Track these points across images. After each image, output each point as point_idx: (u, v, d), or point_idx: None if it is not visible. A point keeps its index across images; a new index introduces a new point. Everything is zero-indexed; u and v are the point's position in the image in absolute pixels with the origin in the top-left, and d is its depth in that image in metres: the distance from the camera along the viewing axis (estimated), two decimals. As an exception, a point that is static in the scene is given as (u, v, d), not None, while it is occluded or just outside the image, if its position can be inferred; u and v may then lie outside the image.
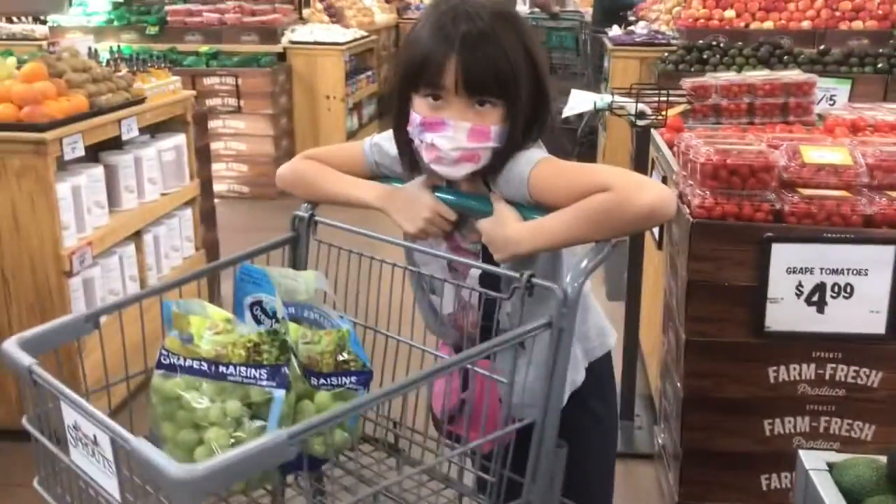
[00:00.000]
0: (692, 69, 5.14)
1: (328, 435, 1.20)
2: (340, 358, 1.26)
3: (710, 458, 2.27)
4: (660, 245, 2.79)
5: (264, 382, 1.17)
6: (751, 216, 2.12)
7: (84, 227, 3.06)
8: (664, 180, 2.60)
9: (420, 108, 1.40)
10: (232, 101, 6.23)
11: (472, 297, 1.49)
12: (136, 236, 3.44)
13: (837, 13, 5.77)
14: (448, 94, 1.36)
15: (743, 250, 2.11)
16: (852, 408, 2.19)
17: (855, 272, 2.08)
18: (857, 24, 5.70)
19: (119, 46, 4.28)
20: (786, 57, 5.16)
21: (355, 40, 6.96)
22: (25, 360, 1.16)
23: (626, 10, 7.51)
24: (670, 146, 2.67)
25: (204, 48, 6.40)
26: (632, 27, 6.96)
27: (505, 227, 1.37)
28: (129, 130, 3.33)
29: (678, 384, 2.28)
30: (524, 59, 1.38)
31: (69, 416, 1.08)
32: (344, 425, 1.25)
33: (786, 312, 2.11)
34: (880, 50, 5.32)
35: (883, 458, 1.11)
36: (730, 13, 5.87)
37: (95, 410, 1.05)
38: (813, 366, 2.16)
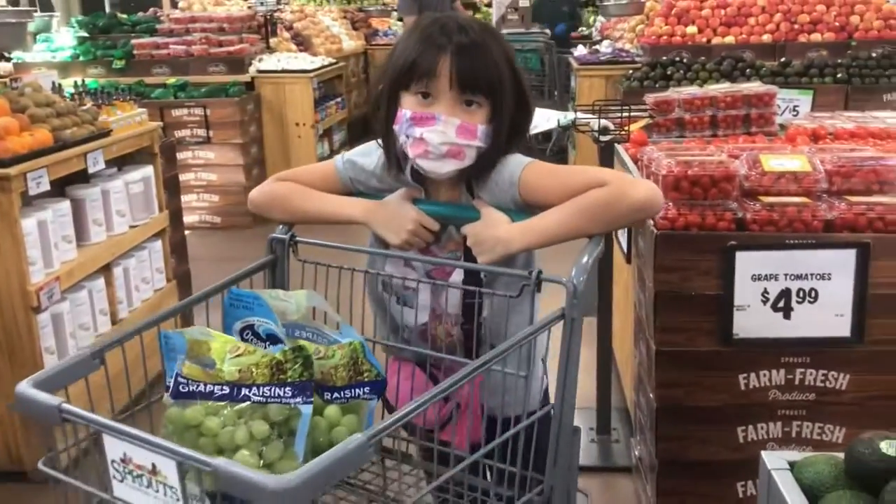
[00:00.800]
0: (657, 85, 5.21)
1: None
2: (355, 370, 1.28)
3: (686, 468, 2.28)
4: (628, 259, 2.81)
5: (290, 399, 1.17)
6: (714, 225, 2.15)
7: (51, 262, 3.04)
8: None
9: (409, 106, 1.47)
10: (201, 132, 6.22)
11: (447, 305, 1.54)
12: (106, 270, 3.41)
13: (796, 26, 5.88)
14: (439, 91, 1.44)
15: (708, 259, 2.13)
16: (822, 411, 2.21)
17: (818, 277, 2.11)
18: (816, 37, 5.82)
19: (83, 80, 4.26)
20: (748, 70, 5.25)
21: (323, 67, 6.99)
22: (53, 399, 1.13)
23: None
24: (635, 160, 2.70)
25: (171, 80, 6.39)
26: (597, 46, 7.05)
27: (495, 228, 1.44)
28: (96, 163, 3.32)
29: (651, 395, 2.29)
30: (508, 69, 1.48)
31: (114, 449, 1.05)
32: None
33: (753, 319, 2.13)
34: (839, 61, 5.43)
35: (841, 456, 1.13)
36: (692, 29, 5.96)
37: (156, 438, 1.04)
38: (782, 371, 2.18)
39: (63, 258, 3.12)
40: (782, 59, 5.51)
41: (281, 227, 1.63)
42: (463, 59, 1.43)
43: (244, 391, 1.17)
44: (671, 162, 2.22)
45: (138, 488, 1.05)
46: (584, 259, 1.36)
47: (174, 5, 7.97)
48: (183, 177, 5.72)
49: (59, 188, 3.27)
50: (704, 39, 5.92)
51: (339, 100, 7.47)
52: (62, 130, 3.17)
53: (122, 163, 3.72)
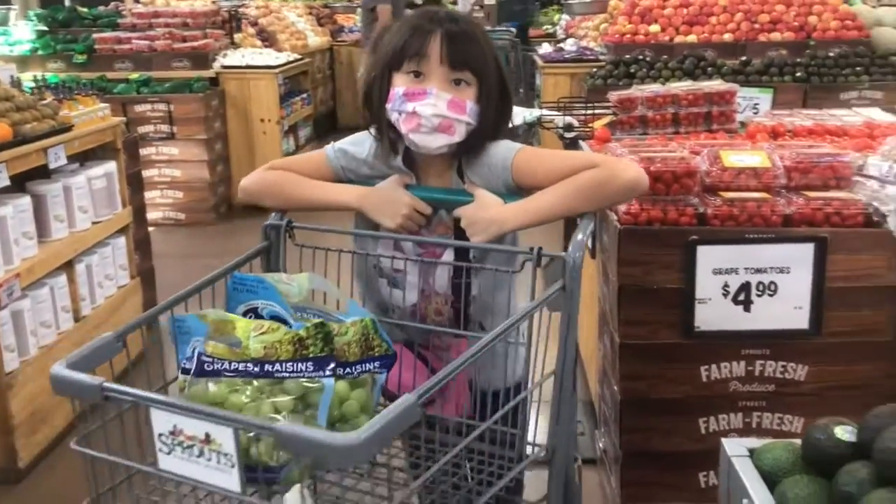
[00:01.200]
0: (620, 83, 5.26)
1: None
2: (367, 345, 1.32)
3: (650, 459, 2.32)
4: (593, 254, 2.84)
5: (312, 374, 1.23)
6: (676, 220, 2.18)
7: (11, 258, 3.00)
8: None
9: (401, 84, 1.55)
10: (165, 128, 6.16)
11: (437, 284, 1.63)
12: (68, 266, 3.38)
13: (757, 25, 5.97)
14: (430, 69, 1.53)
15: (670, 254, 2.17)
16: (782, 402, 2.26)
17: (777, 270, 2.16)
18: (776, 36, 5.91)
19: (43, 75, 4.20)
20: (710, 68, 5.32)
21: (288, 63, 6.95)
22: (95, 379, 1.17)
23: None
24: (599, 156, 2.73)
25: (134, 75, 6.32)
26: (561, 44, 7.10)
27: (488, 209, 1.54)
28: (57, 159, 3.27)
29: (615, 388, 2.33)
30: (492, 56, 1.60)
31: (163, 422, 1.08)
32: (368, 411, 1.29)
33: (714, 312, 2.17)
34: (798, 60, 5.52)
35: (798, 442, 1.16)
36: (654, 28, 6.03)
37: (210, 408, 1.07)
38: (742, 363, 2.23)
39: (24, 255, 3.08)
40: (743, 58, 5.59)
41: (274, 214, 1.69)
42: (452, 40, 1.53)
43: (268, 367, 1.22)
44: (634, 158, 2.25)
45: (188, 459, 1.07)
46: (580, 236, 1.48)
47: (136, 0, 7.86)
48: (146, 173, 5.66)
49: (20, 184, 3.22)
50: (667, 38, 5.99)
51: (304, 96, 7.44)
52: (22, 125, 3.13)
53: (84, 158, 3.68)
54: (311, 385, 1.21)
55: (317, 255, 1.60)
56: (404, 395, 1.08)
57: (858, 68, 5.45)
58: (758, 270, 2.15)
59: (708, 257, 2.14)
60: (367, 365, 1.31)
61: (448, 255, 1.62)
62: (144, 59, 6.48)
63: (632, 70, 5.43)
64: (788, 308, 2.18)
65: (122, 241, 3.81)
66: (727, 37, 5.94)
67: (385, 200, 1.60)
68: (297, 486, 1.08)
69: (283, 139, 6.69)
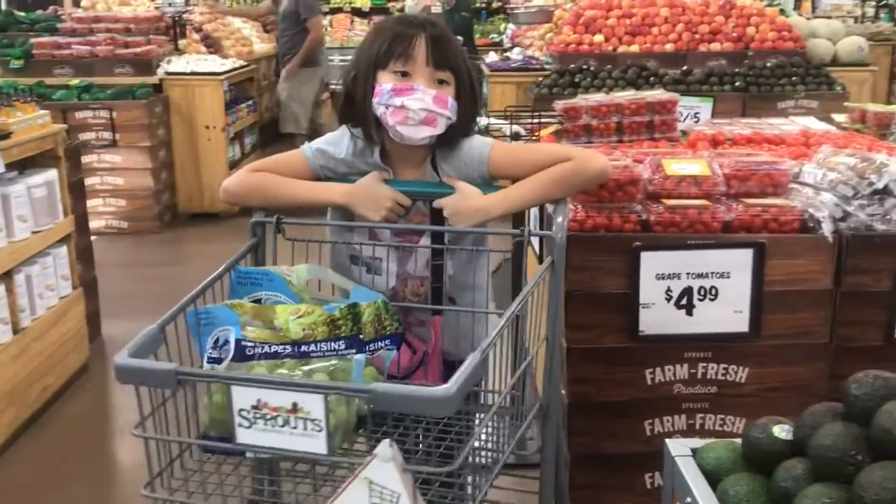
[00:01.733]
0: (566, 92, 5.34)
1: None
2: (379, 325, 1.43)
3: (597, 461, 2.36)
4: (541, 259, 2.88)
5: (344, 352, 1.35)
6: (620, 227, 2.23)
7: (-52, 269, 2.92)
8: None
9: (389, 82, 1.70)
10: (107, 135, 6.05)
11: (416, 268, 1.81)
12: (7, 277, 3.30)
13: (697, 36, 6.12)
14: (416, 69, 1.70)
15: (615, 260, 2.21)
16: (724, 403, 2.32)
17: (718, 275, 2.22)
18: (715, 46, 6.07)
19: (-20, 81, 4.10)
20: (652, 78, 5.44)
21: (234, 70, 6.89)
22: (168, 365, 1.23)
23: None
24: (545, 164, 2.77)
25: (75, 81, 6.19)
26: (508, 53, 7.18)
27: (472, 199, 1.71)
28: (-5, 167, 3.20)
29: (563, 391, 2.36)
30: (464, 58, 1.79)
31: (245, 398, 1.15)
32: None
33: (657, 316, 2.22)
34: (737, 70, 5.68)
35: (739, 441, 1.20)
36: (598, 38, 6.13)
37: (299, 379, 1.20)
38: (686, 366, 2.28)
39: (-39, 265, 3.00)
40: (684, 68, 5.73)
41: (257, 212, 1.78)
42: (435, 43, 1.71)
43: (304, 348, 1.33)
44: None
45: (270, 430, 1.15)
46: (560, 219, 1.73)
47: (76, 4, 7.71)
48: (88, 181, 5.55)
49: (-44, 192, 3.14)
50: (611, 48, 6.10)
51: (250, 102, 7.38)
52: (-42, 132, 3.05)
53: (23, 166, 3.60)
54: (339, 363, 1.31)
55: (307, 248, 1.74)
56: (471, 355, 1.23)
57: (794, 78, 5.63)
58: (699, 275, 2.21)
59: (651, 263, 2.19)
60: (379, 343, 1.42)
61: (425, 241, 1.79)
62: (85, 65, 6.36)
63: (577, 79, 5.52)
64: (729, 312, 2.24)
65: (63, 250, 3.73)
66: (669, 47, 6.08)
67: (369, 195, 1.73)
68: (386, 441, 1.15)
69: (229, 146, 6.63)
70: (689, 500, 1.13)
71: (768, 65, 5.71)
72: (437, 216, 1.77)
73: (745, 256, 2.21)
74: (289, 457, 1.21)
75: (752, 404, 2.30)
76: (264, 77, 8.72)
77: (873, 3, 13.74)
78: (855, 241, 2.22)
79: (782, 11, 7.38)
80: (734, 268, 2.21)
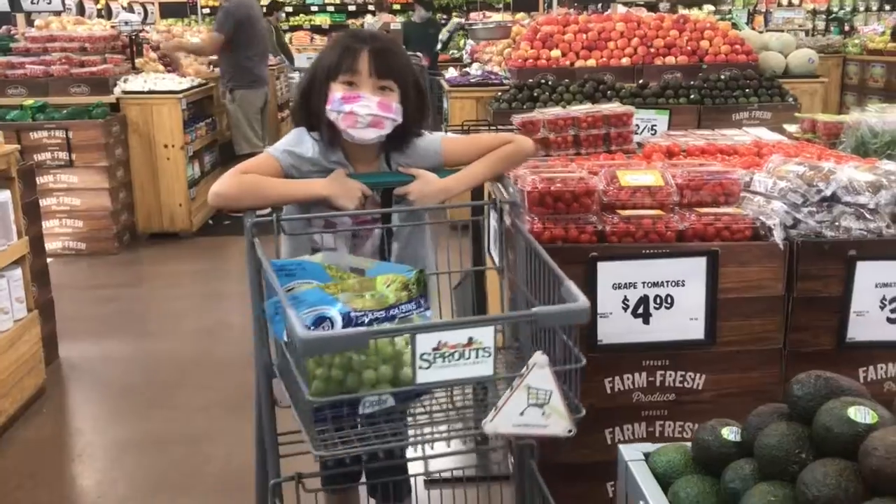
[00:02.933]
0: (524, 106, 5.40)
1: None
2: (408, 292, 1.61)
3: (561, 471, 2.36)
4: (501, 271, 2.89)
5: (417, 310, 1.59)
6: (577, 238, 2.26)
7: None
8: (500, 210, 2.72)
9: (339, 91, 1.93)
10: (63, 155, 5.97)
11: (368, 253, 2.04)
12: (-41, 300, 3.23)
13: (652, 50, 6.23)
14: (361, 79, 1.93)
15: (572, 270, 2.22)
16: (682, 410, 2.35)
17: (673, 284, 2.25)
18: (670, 60, 6.17)
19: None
20: (609, 92, 5.52)
21: (192, 88, 6.84)
22: (358, 329, 1.41)
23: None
24: (503, 177, 2.79)
25: (29, 101, 6.10)
26: (467, 69, 7.22)
27: (433, 183, 1.99)
28: (-54, 188, 3.14)
29: (524, 403, 2.37)
30: (408, 66, 2.01)
31: (427, 342, 1.34)
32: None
33: (615, 326, 2.24)
34: (692, 82, 5.79)
35: (689, 444, 1.22)
36: (556, 53, 6.21)
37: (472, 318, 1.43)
38: (644, 374, 2.31)
39: (-89, 289, 2.94)
40: (640, 82, 5.82)
41: (248, 213, 1.84)
42: (377, 55, 1.94)
43: (392, 311, 1.55)
44: (535, 178, 2.32)
45: (447, 365, 1.36)
46: (511, 189, 2.05)
47: (30, 23, 7.60)
48: (44, 202, 5.48)
49: None
50: (568, 63, 6.18)
51: (209, 121, 7.33)
52: None
53: (-25, 188, 3.54)
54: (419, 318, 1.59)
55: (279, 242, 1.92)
56: (581, 298, 1.42)
57: (748, 90, 5.75)
58: (655, 284, 2.24)
59: (608, 273, 2.22)
60: (411, 305, 1.60)
61: (377, 227, 2.05)
62: (40, 85, 6.28)
63: (535, 94, 5.58)
64: (685, 319, 2.28)
65: (17, 272, 3.67)
66: (625, 61, 6.17)
67: (342, 187, 1.95)
68: (539, 352, 1.38)
69: (188, 165, 6.58)
70: (641, 503, 1.14)
71: (722, 77, 5.82)
72: (388, 202, 2.03)
73: (699, 265, 2.25)
74: (462, 382, 1.45)
75: (710, 410, 2.33)
76: (223, 95, 8.67)
77: (823, 17, 14.10)
78: (805, 248, 2.27)
79: (734, 25, 7.54)
80: (689, 276, 2.25)
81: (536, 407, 1.39)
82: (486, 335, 1.37)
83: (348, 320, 1.50)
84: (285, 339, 1.54)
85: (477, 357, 1.38)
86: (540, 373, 1.37)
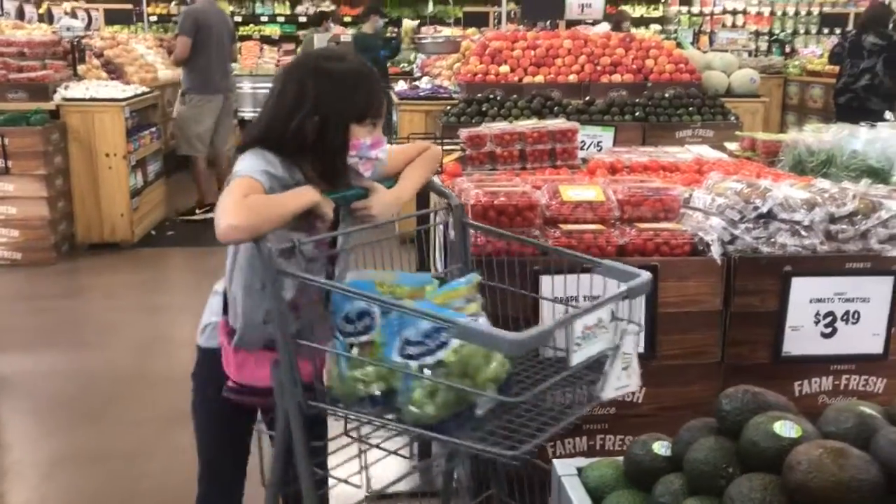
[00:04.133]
0: (473, 120, 5.41)
1: None
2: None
3: (503, 486, 2.35)
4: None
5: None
6: (519, 251, 2.26)
7: None
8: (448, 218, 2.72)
9: (362, 135, 1.94)
10: (-2, 163, 5.80)
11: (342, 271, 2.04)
12: None
13: (599, 67, 6.30)
14: (378, 121, 1.98)
15: (515, 284, 2.23)
16: (623, 424, 2.36)
17: (614, 298, 2.26)
18: (616, 77, 6.26)
19: None
20: (556, 108, 5.57)
21: (136, 96, 6.72)
22: (532, 331, 1.46)
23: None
24: (448, 191, 2.79)
25: (-36, 107, 5.94)
26: (417, 82, 7.24)
27: (386, 195, 2.01)
28: None
29: (466, 417, 2.36)
30: None
31: (580, 326, 1.48)
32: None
33: (557, 339, 2.24)
34: (637, 100, 5.87)
35: (622, 459, 1.22)
36: (504, 68, 6.25)
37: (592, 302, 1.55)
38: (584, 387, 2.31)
39: None
40: (587, 98, 5.88)
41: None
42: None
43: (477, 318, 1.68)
44: (479, 192, 2.32)
45: (590, 343, 1.49)
46: (448, 190, 2.13)
47: (-32, 27, 7.41)
48: (-23, 210, 5.32)
49: None
50: (516, 78, 6.22)
51: (153, 129, 7.20)
52: None
53: None
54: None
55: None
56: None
57: (691, 108, 5.84)
58: (595, 298, 2.24)
59: (549, 286, 2.22)
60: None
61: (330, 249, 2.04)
62: (-25, 91, 6.11)
63: (483, 108, 5.60)
64: (626, 333, 2.29)
65: (-53, 282, 3.55)
66: (572, 78, 6.23)
67: (323, 200, 1.91)
68: (631, 322, 1.56)
69: (131, 174, 6.45)
70: (575, 519, 1.14)
71: (666, 95, 5.91)
72: (338, 218, 2.00)
73: (639, 279, 2.26)
74: (598, 357, 1.53)
75: (649, 424, 2.33)
76: (169, 104, 8.55)
77: (766, 39, 14.47)
78: (742, 264, 2.31)
79: (679, 45, 7.68)
80: (629, 290, 2.26)
81: (624, 370, 1.55)
82: (606, 315, 1.55)
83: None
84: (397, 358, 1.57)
85: (603, 333, 1.54)
86: (630, 339, 1.56)
